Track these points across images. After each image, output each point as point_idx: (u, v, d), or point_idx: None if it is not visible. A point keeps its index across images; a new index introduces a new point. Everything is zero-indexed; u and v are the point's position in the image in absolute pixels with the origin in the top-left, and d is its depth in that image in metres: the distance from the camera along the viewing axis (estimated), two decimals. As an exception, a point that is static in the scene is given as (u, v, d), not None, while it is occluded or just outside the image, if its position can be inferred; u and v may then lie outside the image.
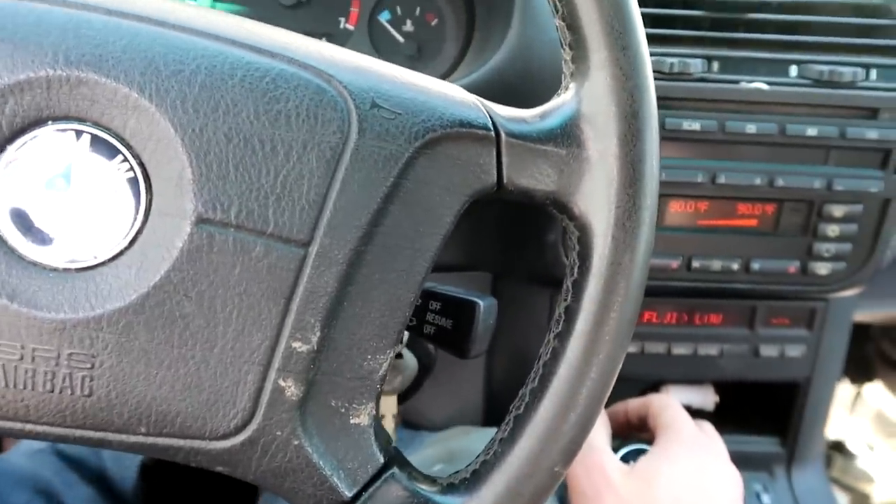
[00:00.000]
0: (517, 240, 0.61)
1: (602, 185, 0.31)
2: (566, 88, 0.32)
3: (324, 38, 0.64)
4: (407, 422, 0.72)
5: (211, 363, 0.28)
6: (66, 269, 0.28)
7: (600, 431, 0.52)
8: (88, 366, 0.28)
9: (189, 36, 0.28)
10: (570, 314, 0.32)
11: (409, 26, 0.64)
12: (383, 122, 0.29)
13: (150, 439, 0.29)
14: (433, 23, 0.64)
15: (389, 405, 0.55)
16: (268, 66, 0.29)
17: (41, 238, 0.27)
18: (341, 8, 0.63)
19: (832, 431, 1.55)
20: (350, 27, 0.63)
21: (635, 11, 0.31)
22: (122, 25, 0.28)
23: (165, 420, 0.29)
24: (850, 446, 1.54)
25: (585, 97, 0.31)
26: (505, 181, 0.31)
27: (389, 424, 0.54)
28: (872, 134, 0.55)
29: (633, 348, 0.68)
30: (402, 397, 0.62)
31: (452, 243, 0.72)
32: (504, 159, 0.31)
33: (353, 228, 0.29)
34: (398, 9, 0.63)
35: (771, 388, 0.74)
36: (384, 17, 0.63)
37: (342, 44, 0.63)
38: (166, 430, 0.29)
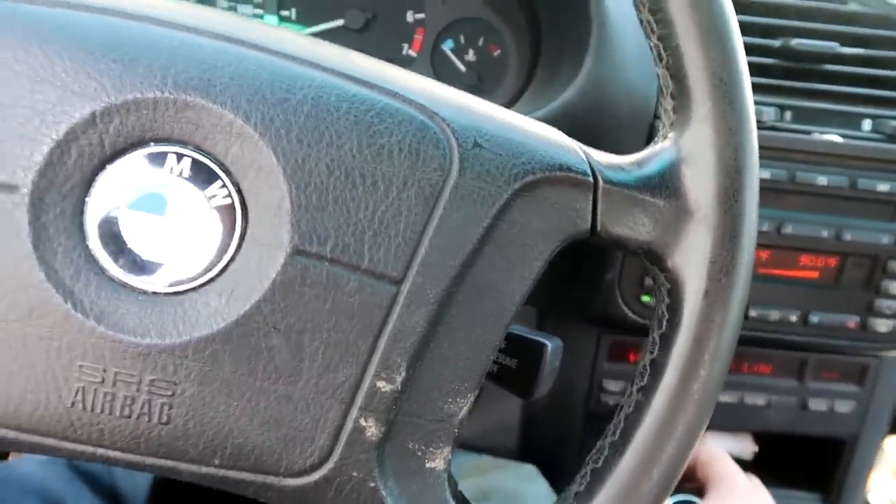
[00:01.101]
0: (570, 276, 0.60)
1: (699, 239, 0.30)
2: (664, 137, 0.32)
3: (386, 64, 0.64)
4: None
5: (293, 398, 0.28)
6: (155, 294, 0.27)
7: None
8: (169, 393, 0.27)
9: (296, 65, 0.28)
10: (657, 368, 0.31)
11: (471, 56, 0.64)
12: (484, 161, 0.29)
13: (223, 472, 0.28)
14: (496, 54, 0.64)
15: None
16: (373, 100, 0.28)
17: (133, 260, 0.27)
18: (405, 34, 0.63)
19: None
20: (413, 53, 0.63)
21: (744, 65, 0.30)
22: (231, 51, 0.28)
23: (241, 453, 0.28)
24: (872, 502, 1.51)
25: (686, 148, 0.31)
26: (599, 228, 0.31)
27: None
28: (944, 192, 0.53)
29: None
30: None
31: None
32: (600, 206, 0.30)
33: (447, 268, 0.28)
34: (462, 38, 0.63)
35: (813, 443, 0.72)
36: (447, 46, 0.63)
37: (404, 70, 0.63)
38: (240, 464, 0.28)
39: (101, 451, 0.28)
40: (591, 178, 0.30)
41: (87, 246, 0.27)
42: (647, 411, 0.31)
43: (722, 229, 0.30)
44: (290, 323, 0.27)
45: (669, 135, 0.31)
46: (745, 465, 0.77)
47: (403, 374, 0.28)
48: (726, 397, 0.66)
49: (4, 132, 0.26)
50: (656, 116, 0.52)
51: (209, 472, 0.28)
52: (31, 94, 0.26)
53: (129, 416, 0.27)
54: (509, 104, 0.62)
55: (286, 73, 0.28)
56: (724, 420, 0.69)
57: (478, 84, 0.63)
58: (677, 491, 0.55)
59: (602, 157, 0.31)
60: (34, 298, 0.26)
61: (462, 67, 0.63)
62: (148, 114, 0.26)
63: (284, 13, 0.62)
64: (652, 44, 0.31)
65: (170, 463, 0.28)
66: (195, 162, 0.27)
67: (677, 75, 0.30)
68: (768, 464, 0.74)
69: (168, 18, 0.28)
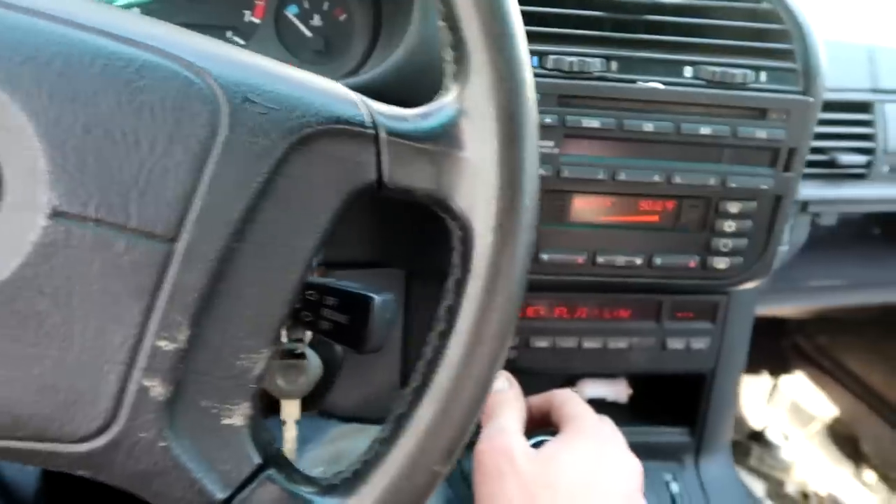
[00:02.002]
0: (428, 237, 0.61)
1: (481, 185, 0.31)
2: (447, 89, 0.32)
3: (229, 32, 0.62)
4: (321, 411, 0.71)
5: (68, 363, 0.27)
6: None
7: (513, 415, 0.52)
8: None
9: (47, 22, 0.27)
10: (452, 313, 0.32)
11: (316, 21, 0.63)
12: (256, 116, 0.29)
13: (3, 443, 0.28)
14: (341, 18, 0.63)
15: (292, 410, 0.54)
16: (132, 56, 0.28)
17: None
18: (247, 0, 0.62)
19: (751, 422, 1.61)
20: (256, 20, 0.62)
21: (514, 14, 0.31)
22: None
23: (19, 423, 0.27)
24: (768, 436, 1.61)
25: (465, 99, 0.31)
26: (385, 179, 0.31)
27: (291, 430, 0.54)
28: (762, 133, 0.57)
29: (545, 343, 0.69)
30: (311, 398, 0.61)
31: (364, 239, 0.71)
32: (384, 157, 0.31)
33: (223, 224, 0.28)
34: (305, 3, 0.62)
35: (679, 381, 0.76)
36: (291, 11, 0.62)
37: (247, 37, 0.62)
38: (20, 434, 0.28)
39: None
40: (372, 130, 0.31)
41: None
42: (443, 356, 0.32)
43: (502, 174, 0.31)
44: (57, 286, 0.27)
45: (451, 86, 0.32)
46: (622, 408, 0.81)
47: (187, 332, 0.28)
48: (591, 343, 0.69)
49: None
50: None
51: None
52: None
53: None
54: (357, 67, 0.62)
55: (35, 30, 0.27)
56: (592, 365, 0.72)
57: (325, 49, 0.62)
58: (534, 434, 0.57)
59: (385, 109, 0.32)
60: None
61: (308, 33, 0.63)
62: None
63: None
64: None
65: None
66: None
67: (452, 27, 0.31)
68: (641, 404, 0.78)
69: None
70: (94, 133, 0.27)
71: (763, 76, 0.58)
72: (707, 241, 0.61)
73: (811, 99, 0.58)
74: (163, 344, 0.28)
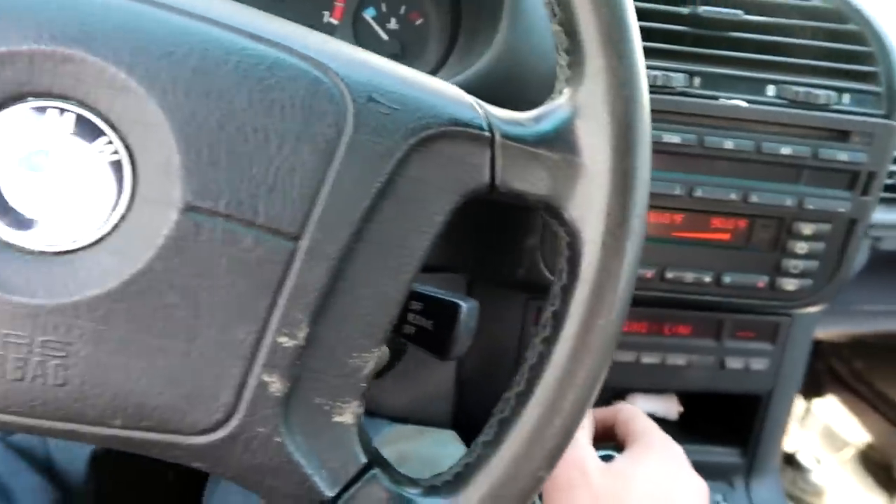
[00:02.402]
0: (495, 243, 0.61)
1: (594, 192, 0.31)
2: (560, 93, 0.32)
3: (307, 32, 0.63)
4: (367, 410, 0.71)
5: (193, 356, 0.28)
6: (42, 253, 0.26)
7: (583, 429, 0.53)
8: (63, 354, 0.26)
9: (183, 18, 0.28)
10: (558, 319, 0.32)
11: (393, 24, 0.63)
12: (380, 116, 0.29)
13: (126, 433, 0.28)
14: (417, 22, 0.63)
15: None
16: (264, 54, 0.28)
17: (17, 219, 0.26)
18: (326, 2, 0.62)
19: (783, 444, 1.58)
20: (334, 21, 0.62)
21: (633, 22, 0.31)
22: (113, 3, 0.27)
23: (142, 413, 0.28)
24: (800, 459, 1.58)
25: (580, 103, 0.31)
26: (498, 182, 0.31)
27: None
28: (842, 156, 0.56)
29: None
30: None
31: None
32: (498, 161, 0.31)
33: (345, 224, 0.29)
34: (383, 6, 0.63)
35: (733, 400, 0.76)
36: (369, 14, 0.63)
37: (325, 38, 0.62)
38: (143, 424, 0.28)
39: None
40: (488, 133, 0.31)
41: None
42: (549, 361, 0.32)
43: (615, 182, 0.31)
44: (186, 280, 0.27)
45: (564, 90, 0.32)
46: (671, 424, 0.80)
47: (306, 329, 0.29)
48: (649, 358, 0.69)
49: None
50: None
51: (112, 434, 0.28)
52: None
53: (22, 379, 0.26)
54: (432, 73, 0.62)
55: (172, 26, 0.27)
56: (648, 380, 0.72)
57: (400, 53, 0.63)
58: (598, 447, 0.56)
59: (500, 113, 0.32)
60: None
61: (384, 36, 0.63)
62: (24, 67, 0.26)
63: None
64: (546, 1, 0.32)
65: (70, 426, 0.28)
66: (79, 118, 0.26)
67: (570, 31, 0.31)
68: (691, 422, 0.77)
69: None
70: (227, 129, 0.27)
71: (846, 98, 0.57)
72: (777, 262, 0.61)
73: (895, 123, 0.57)
74: (283, 340, 0.28)
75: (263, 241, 0.28)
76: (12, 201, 0.26)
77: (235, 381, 0.28)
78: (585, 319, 0.32)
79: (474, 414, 0.74)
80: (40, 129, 0.26)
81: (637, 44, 0.31)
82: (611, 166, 0.31)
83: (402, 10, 0.63)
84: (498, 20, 0.51)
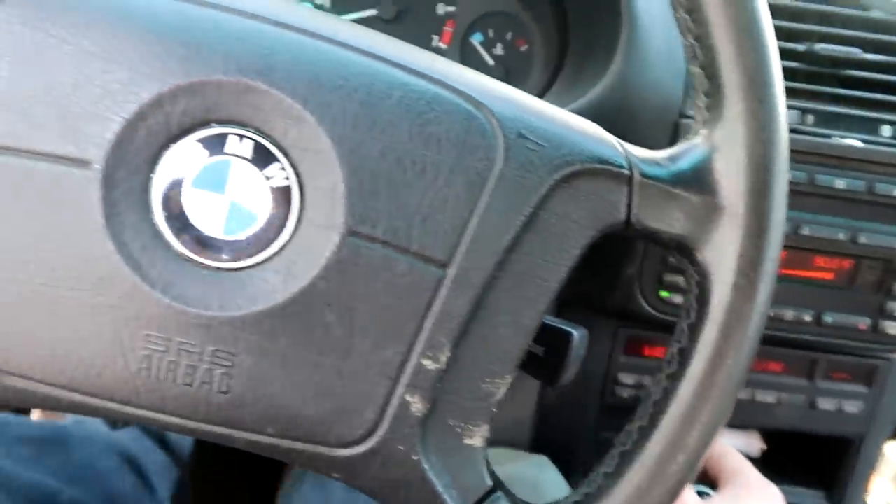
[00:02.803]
0: (592, 269, 0.62)
1: (729, 233, 0.32)
2: (696, 134, 0.33)
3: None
4: None
5: (344, 372, 0.29)
6: (217, 269, 0.28)
7: None
8: (229, 364, 0.28)
9: (352, 53, 0.29)
10: (685, 356, 0.32)
11: (499, 50, 0.65)
12: (528, 152, 0.30)
13: (275, 441, 0.30)
14: (523, 48, 0.65)
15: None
16: (424, 89, 0.29)
17: (197, 237, 0.28)
18: (435, 26, 0.64)
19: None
20: (443, 46, 0.64)
21: (776, 65, 0.32)
22: (292, 38, 0.29)
23: (294, 423, 0.29)
24: (870, 504, 1.52)
25: (718, 144, 0.32)
26: (633, 220, 0.32)
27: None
28: (959, 199, 0.55)
29: None
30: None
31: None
32: (635, 198, 0.32)
33: (491, 254, 0.30)
34: (490, 32, 0.64)
35: (819, 441, 0.74)
36: (476, 39, 0.64)
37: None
38: (293, 434, 0.30)
39: (161, 416, 0.29)
40: (627, 171, 0.31)
41: (153, 221, 0.28)
42: (674, 398, 0.32)
43: (751, 224, 0.31)
44: (343, 301, 0.29)
45: (702, 131, 0.33)
46: (753, 462, 0.78)
47: (447, 353, 0.30)
48: (740, 394, 0.68)
49: (78, 110, 0.27)
50: (682, 115, 0.54)
51: (263, 441, 0.30)
52: (102, 74, 0.27)
53: (191, 385, 0.28)
54: (535, 99, 0.63)
55: (342, 60, 0.29)
56: (736, 416, 0.70)
57: (505, 78, 0.64)
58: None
59: (638, 152, 0.33)
60: (104, 270, 0.27)
61: (490, 61, 0.65)
62: (212, 96, 0.28)
63: (318, 2, 0.63)
64: (687, 42, 0.32)
65: (227, 431, 0.29)
66: (256, 144, 0.28)
67: (711, 74, 0.31)
68: (774, 461, 0.76)
69: (233, 5, 0.29)
70: (388, 160, 0.29)
71: (966, 140, 0.56)
72: (881, 305, 0.59)
73: None
74: (426, 363, 0.30)
75: (415, 267, 0.29)
76: (193, 219, 0.28)
77: (380, 400, 0.29)
78: (713, 359, 0.32)
79: (556, 439, 0.74)
80: (221, 152, 0.28)
81: (779, 87, 0.32)
82: (747, 208, 0.31)
83: (509, 36, 0.64)
84: (613, 51, 0.52)
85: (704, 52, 0.31)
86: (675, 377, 0.32)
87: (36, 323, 0.27)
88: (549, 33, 0.63)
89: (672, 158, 0.33)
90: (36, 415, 0.87)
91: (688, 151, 0.33)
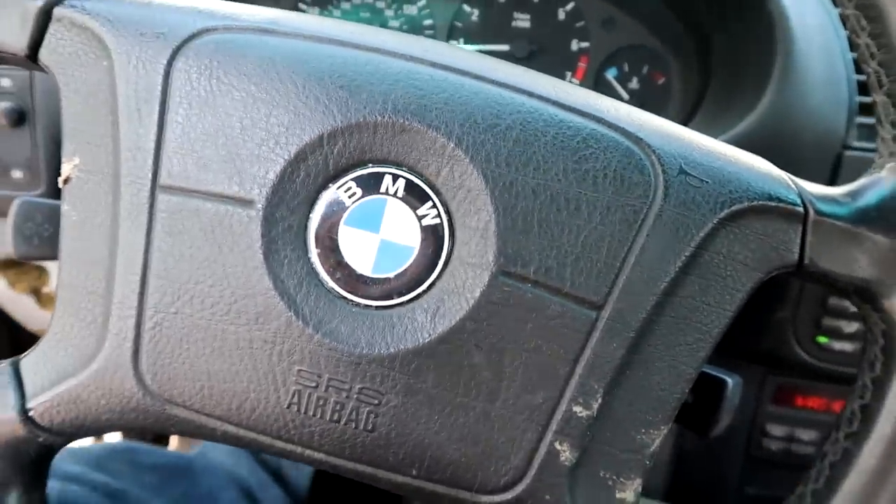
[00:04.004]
0: (740, 313, 0.58)
1: None
2: (881, 167, 0.30)
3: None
4: None
5: (491, 416, 0.28)
6: (367, 307, 0.28)
7: None
8: (376, 402, 0.28)
9: (505, 91, 0.29)
10: (870, 414, 0.29)
11: (634, 83, 0.63)
12: (689, 189, 0.28)
13: (418, 482, 0.29)
14: (660, 81, 0.63)
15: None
16: (580, 126, 0.29)
17: (348, 274, 0.28)
18: (570, 62, 0.63)
19: None
20: (576, 81, 0.63)
21: None
22: (446, 78, 0.29)
23: (437, 466, 0.29)
24: None
25: None
26: (807, 262, 0.29)
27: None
28: None
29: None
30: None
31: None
32: (809, 238, 0.29)
33: (648, 296, 0.28)
34: (626, 66, 0.63)
35: None
36: (611, 74, 0.63)
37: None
38: (436, 477, 0.29)
39: (308, 452, 0.29)
40: (801, 209, 0.29)
41: (308, 259, 0.29)
42: (857, 460, 0.29)
43: None
44: (493, 342, 0.28)
45: (888, 165, 0.30)
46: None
47: (600, 400, 0.28)
48: None
49: (244, 152, 0.28)
50: (846, 147, 0.49)
51: (405, 482, 0.29)
52: (267, 118, 0.28)
53: (338, 422, 0.28)
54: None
55: (496, 98, 0.29)
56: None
57: (640, 112, 0.62)
58: None
59: (813, 188, 0.30)
60: (262, 305, 0.28)
61: (625, 95, 0.63)
62: (369, 136, 0.28)
63: (453, 43, 0.64)
64: (871, 69, 0.30)
65: (370, 469, 0.29)
66: (409, 182, 0.28)
67: None
68: None
69: (387, 47, 0.30)
70: (541, 198, 0.28)
71: None
72: None
73: None
74: (578, 409, 0.28)
75: (568, 309, 0.28)
76: (346, 257, 0.28)
77: (529, 446, 0.28)
78: None
79: (695, 489, 0.69)
80: (375, 191, 0.28)
81: None
82: None
83: (645, 69, 0.63)
84: (766, 82, 0.49)
85: (893, 78, 0.29)
86: (858, 437, 0.29)
87: (198, 355, 0.29)
88: (688, 65, 0.61)
89: (852, 195, 0.30)
90: (173, 444, 0.92)
91: (871, 187, 0.30)
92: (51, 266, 0.70)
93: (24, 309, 0.73)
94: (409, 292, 0.28)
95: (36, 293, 0.73)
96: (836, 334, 0.53)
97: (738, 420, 0.64)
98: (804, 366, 0.55)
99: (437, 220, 0.28)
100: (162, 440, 0.93)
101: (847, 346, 0.53)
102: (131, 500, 0.57)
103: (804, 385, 0.61)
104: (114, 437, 0.83)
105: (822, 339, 0.54)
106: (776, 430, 0.62)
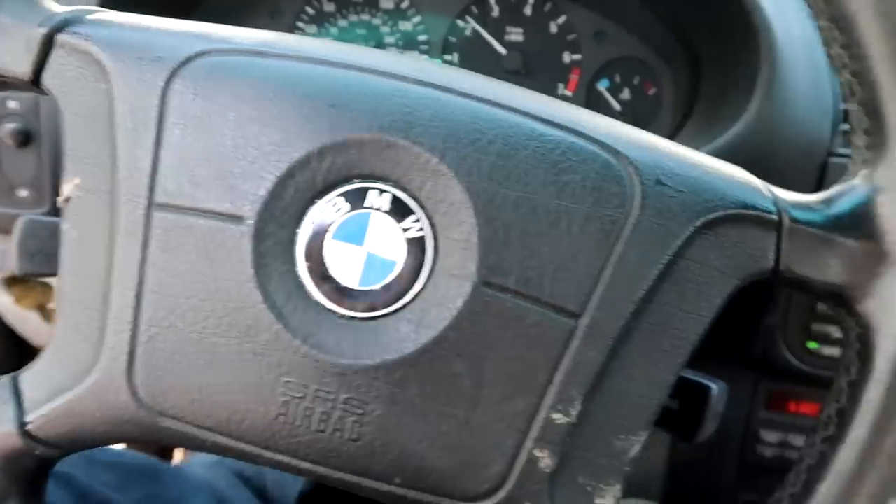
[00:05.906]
0: (727, 317, 0.58)
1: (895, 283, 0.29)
2: (855, 174, 0.31)
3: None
4: None
5: (472, 424, 0.29)
6: (352, 318, 0.29)
7: None
8: (360, 412, 0.29)
9: (487, 107, 0.30)
10: (846, 418, 0.30)
11: (626, 94, 0.64)
12: (666, 199, 0.29)
13: (402, 490, 0.30)
14: (651, 92, 0.64)
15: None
16: (559, 139, 0.29)
17: (334, 286, 0.29)
18: (561, 75, 0.64)
19: None
20: (568, 93, 0.64)
21: None
22: (430, 95, 0.30)
23: (421, 474, 0.29)
24: None
25: (881, 185, 0.29)
26: (782, 268, 0.30)
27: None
28: None
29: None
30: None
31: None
32: (784, 245, 0.30)
33: (625, 304, 0.29)
34: (617, 77, 0.64)
35: None
36: (603, 85, 0.64)
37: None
38: (419, 485, 0.30)
39: (295, 461, 0.30)
40: (775, 217, 0.30)
41: (296, 272, 0.29)
42: (833, 463, 0.29)
43: None
44: (474, 351, 0.29)
45: (861, 172, 0.30)
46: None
47: (579, 407, 0.29)
48: None
49: (236, 170, 0.29)
50: (831, 154, 0.50)
51: (389, 491, 0.30)
52: (258, 137, 0.29)
53: (324, 431, 0.29)
54: (665, 142, 0.62)
55: (478, 114, 0.30)
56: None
57: (632, 123, 0.63)
58: None
59: (787, 195, 0.31)
60: (251, 318, 0.29)
61: (617, 106, 0.64)
62: (355, 153, 0.29)
63: (447, 58, 0.65)
64: (843, 79, 0.30)
65: (355, 479, 0.30)
66: (394, 197, 0.29)
67: (872, 110, 0.29)
68: None
69: (373, 65, 0.31)
70: (522, 210, 0.29)
71: None
72: None
73: None
74: (556, 417, 0.29)
75: (547, 318, 0.29)
76: (331, 270, 0.29)
77: (508, 453, 0.29)
78: (879, 421, 0.29)
79: (690, 496, 0.70)
80: (361, 206, 0.29)
81: None
82: None
83: (636, 80, 0.64)
84: (751, 92, 0.49)
85: (864, 87, 0.29)
86: (834, 441, 0.30)
87: (190, 368, 0.29)
88: (678, 75, 0.62)
89: (827, 202, 0.31)
90: (178, 455, 0.92)
91: (845, 194, 0.31)
92: (56, 283, 0.72)
93: (29, 325, 0.74)
94: (393, 304, 0.29)
95: (41, 309, 0.74)
96: (826, 339, 0.54)
97: (731, 426, 0.64)
98: (795, 371, 0.56)
99: (422, 233, 0.29)
100: (167, 453, 0.94)
101: (836, 352, 0.54)
102: (92, 497, 0.55)
103: (796, 391, 0.61)
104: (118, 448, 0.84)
105: (812, 345, 0.54)
106: (770, 436, 0.62)
